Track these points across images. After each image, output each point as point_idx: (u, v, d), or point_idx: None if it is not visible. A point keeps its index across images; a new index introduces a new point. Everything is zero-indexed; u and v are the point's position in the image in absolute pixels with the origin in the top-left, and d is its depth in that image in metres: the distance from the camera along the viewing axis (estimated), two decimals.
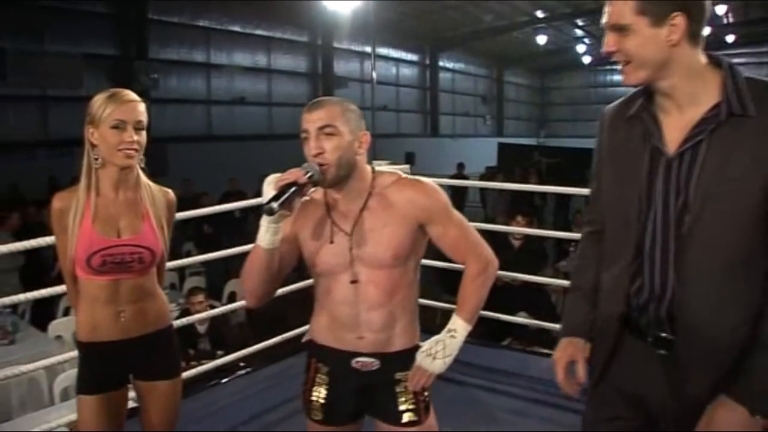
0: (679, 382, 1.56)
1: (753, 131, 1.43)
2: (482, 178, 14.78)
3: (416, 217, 1.83)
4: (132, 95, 2.10)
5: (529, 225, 6.23)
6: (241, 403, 3.45)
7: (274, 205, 1.65)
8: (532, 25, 20.74)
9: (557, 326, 4.47)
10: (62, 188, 2.16)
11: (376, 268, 1.82)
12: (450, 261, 2.00)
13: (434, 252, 2.21)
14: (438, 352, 1.82)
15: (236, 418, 3.26)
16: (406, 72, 21.24)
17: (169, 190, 2.30)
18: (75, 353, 2.33)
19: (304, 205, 1.85)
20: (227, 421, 3.24)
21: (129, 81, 12.09)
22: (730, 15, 19.84)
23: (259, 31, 15.25)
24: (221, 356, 4.59)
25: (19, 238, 4.66)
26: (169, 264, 3.57)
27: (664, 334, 1.56)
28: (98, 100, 2.06)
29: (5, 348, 4.78)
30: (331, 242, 1.83)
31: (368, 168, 1.87)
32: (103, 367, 2.14)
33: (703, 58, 1.51)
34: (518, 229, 5.52)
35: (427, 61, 22.17)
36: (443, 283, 5.09)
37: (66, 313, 5.61)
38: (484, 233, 2.17)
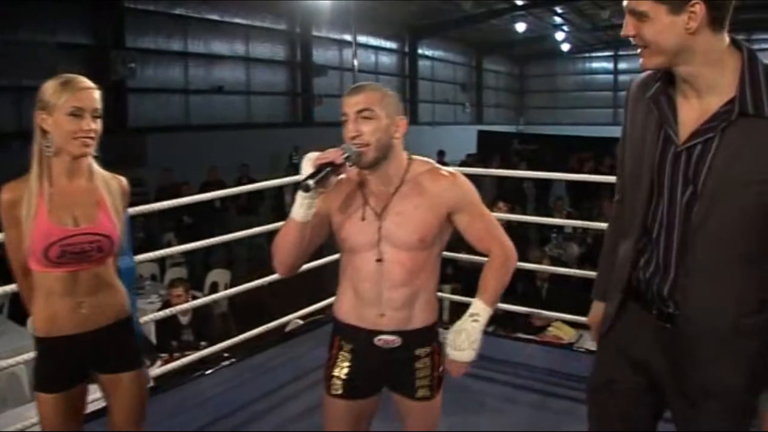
0: (678, 360, 1.61)
1: (765, 132, 1.42)
2: (462, 165, 14.81)
3: (446, 205, 1.92)
4: (88, 82, 2.04)
5: (511, 211, 6.28)
6: (226, 393, 3.42)
7: (311, 182, 1.75)
8: (511, 13, 20.71)
9: (543, 312, 4.52)
10: None
11: (401, 249, 1.90)
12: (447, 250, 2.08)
13: None
14: (463, 342, 1.89)
15: (222, 409, 3.24)
16: (385, 60, 21.16)
17: (122, 178, 2.24)
18: None
19: (339, 182, 1.92)
20: (213, 412, 3.22)
21: (105, 70, 11.95)
22: None
23: (237, 20, 15.08)
24: (205, 347, 4.57)
25: None
26: (150, 255, 3.56)
27: (669, 310, 1.60)
28: (52, 86, 2.00)
29: None
30: (363, 219, 1.92)
31: (404, 154, 1.96)
32: (62, 363, 2.08)
33: (725, 42, 1.48)
34: (503, 215, 5.53)
35: (406, 49, 22.10)
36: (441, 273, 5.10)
37: None
38: None
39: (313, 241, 1.94)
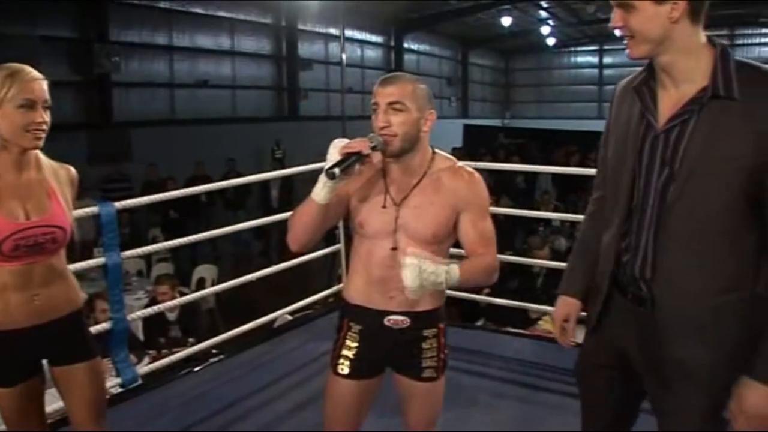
0: (652, 342, 1.67)
1: (737, 114, 1.52)
2: None
3: (457, 204, 1.96)
4: (37, 73, 1.99)
5: (495, 205, 6.29)
6: (215, 390, 3.39)
7: (336, 170, 1.79)
8: (497, 7, 20.70)
9: (530, 305, 4.53)
10: None
11: (415, 240, 1.93)
12: None
13: None
14: (424, 274, 1.78)
15: (211, 406, 3.21)
16: (371, 54, 21.08)
17: (71, 167, 2.18)
18: None
19: (364, 169, 1.95)
20: (202, 409, 3.19)
21: (89, 64, 11.83)
22: None
23: (221, 13, 14.96)
24: (193, 343, 4.54)
25: None
26: (136, 251, 3.52)
27: (641, 292, 1.68)
28: (4, 76, 1.93)
29: None
30: (384, 207, 1.96)
31: (429, 148, 2.00)
32: (17, 357, 2.05)
33: (702, 38, 1.59)
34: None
35: (392, 43, 22.02)
36: None
37: None
38: None
39: (328, 221, 1.98)
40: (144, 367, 3.58)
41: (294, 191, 10.67)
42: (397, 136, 1.89)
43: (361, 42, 20.36)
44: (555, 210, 8.77)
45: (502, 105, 29.84)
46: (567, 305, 1.96)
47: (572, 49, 28.05)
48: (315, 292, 4.25)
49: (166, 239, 8.13)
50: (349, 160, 1.81)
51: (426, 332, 2.03)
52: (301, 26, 17.08)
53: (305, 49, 17.43)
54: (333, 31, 17.64)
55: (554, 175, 11.46)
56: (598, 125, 2.28)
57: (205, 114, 14.40)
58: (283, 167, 9.22)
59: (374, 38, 21.12)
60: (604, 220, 1.81)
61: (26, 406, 2.08)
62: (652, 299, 1.65)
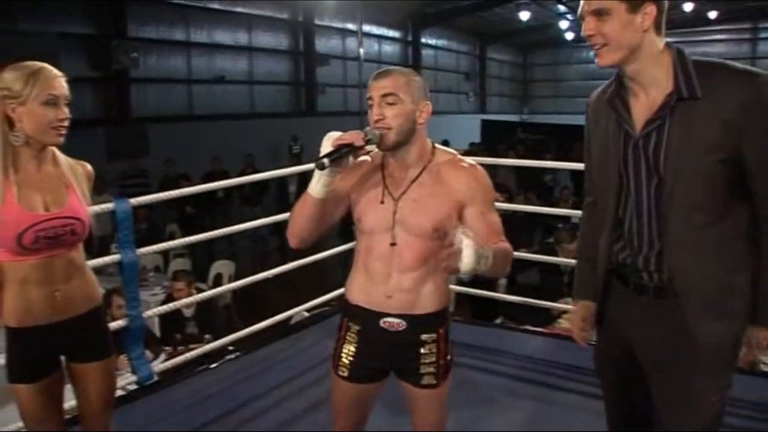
0: (655, 324, 1.78)
1: (703, 110, 1.63)
2: (467, 154, 14.72)
3: (462, 197, 1.93)
4: (56, 70, 2.01)
5: (508, 201, 6.24)
6: (231, 388, 3.39)
7: (326, 161, 1.78)
8: (515, 1, 20.51)
9: (547, 303, 4.48)
10: None
11: (414, 235, 1.92)
12: None
13: None
14: (482, 259, 1.71)
15: (227, 404, 3.20)
16: (388, 49, 20.99)
17: (86, 164, 2.21)
18: None
19: (362, 163, 1.99)
20: (217, 407, 3.18)
21: (107, 60, 11.87)
22: None
23: (239, 9, 14.94)
24: (209, 340, 4.54)
25: None
26: (153, 248, 3.52)
27: (642, 280, 1.79)
28: (20, 75, 1.95)
29: None
30: (381, 202, 1.95)
31: (428, 141, 1.99)
32: (36, 352, 2.07)
33: (662, 43, 1.70)
34: (515, 206, 5.48)
35: (410, 38, 21.92)
36: None
37: None
38: None
39: (328, 218, 1.97)
40: (159, 365, 3.58)
41: None
42: (391, 129, 1.88)
43: (379, 37, 20.29)
44: (574, 205, 8.66)
45: (520, 100, 29.66)
46: (582, 308, 2.05)
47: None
48: (331, 289, 4.22)
49: (184, 235, 8.16)
50: (340, 152, 1.80)
51: (424, 336, 1.98)
52: (318, 22, 17.04)
53: (322, 44, 17.39)
54: (350, 26, 17.60)
55: (572, 171, 11.33)
56: None
57: (222, 109, 14.42)
58: (301, 163, 9.20)
59: (392, 33, 21.03)
60: (599, 224, 1.91)
61: (46, 402, 2.09)
62: (658, 287, 1.76)
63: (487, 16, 22.34)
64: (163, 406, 3.21)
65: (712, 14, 21.60)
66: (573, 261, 4.69)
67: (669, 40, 1.71)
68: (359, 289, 2.02)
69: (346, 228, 2.98)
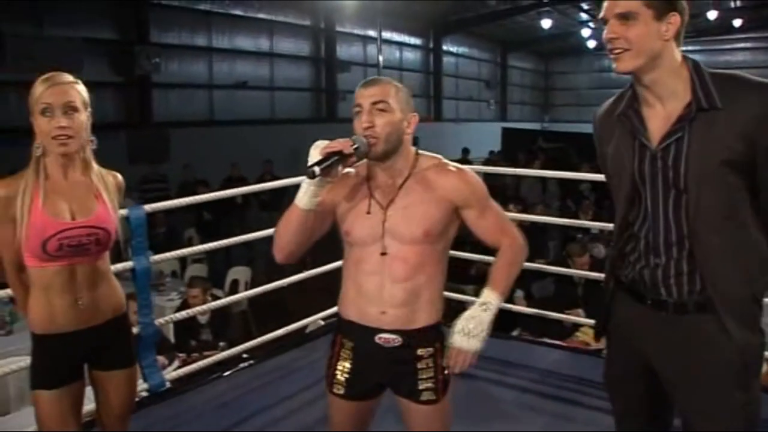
0: (678, 341, 1.75)
1: (722, 122, 1.62)
2: (486, 162, 14.66)
3: (453, 200, 1.91)
4: (63, 77, 2.01)
5: (524, 212, 6.19)
6: (244, 397, 3.36)
7: (316, 169, 1.74)
8: (537, 9, 20.44)
9: (562, 316, 4.41)
10: None
11: (405, 243, 1.88)
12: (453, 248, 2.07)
13: None
14: (473, 329, 1.84)
15: (239, 414, 3.18)
16: (410, 56, 21.00)
17: (117, 174, 2.21)
18: None
19: (346, 176, 1.94)
20: (229, 416, 3.16)
21: (130, 65, 11.99)
22: None
23: (261, 15, 15.03)
24: (224, 347, 4.52)
25: None
26: (170, 254, 3.51)
27: (660, 296, 1.76)
28: (34, 85, 1.99)
29: (3, 338, 4.71)
30: (368, 213, 1.91)
31: (412, 149, 1.96)
32: (60, 359, 2.07)
33: (680, 55, 1.70)
34: (527, 216, 5.42)
35: (431, 45, 21.92)
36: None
37: None
38: None
39: (314, 231, 1.93)
40: (172, 372, 3.56)
41: None
42: (380, 138, 1.84)
43: (400, 44, 20.31)
44: (594, 216, 8.56)
45: (541, 108, 29.53)
46: None
47: None
48: None
49: (202, 240, 8.16)
50: (330, 160, 1.76)
51: (420, 351, 1.93)
52: (339, 28, 17.10)
53: (343, 51, 17.45)
54: (371, 33, 17.62)
55: (593, 180, 11.22)
56: None
57: (243, 115, 14.49)
58: None
59: (413, 40, 21.04)
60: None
61: (64, 410, 2.08)
62: (679, 303, 1.74)
63: (508, 23, 22.28)
64: (174, 414, 3.19)
65: (737, 22, 21.41)
66: (587, 273, 4.68)
67: (693, 48, 1.70)
68: (352, 305, 1.97)
69: None
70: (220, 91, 14.30)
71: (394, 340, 1.91)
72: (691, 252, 1.70)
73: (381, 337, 1.92)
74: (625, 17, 1.64)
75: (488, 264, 2.09)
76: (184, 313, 3.69)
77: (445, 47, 22.44)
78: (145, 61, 12.09)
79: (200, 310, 4.02)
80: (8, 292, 2.68)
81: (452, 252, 2.08)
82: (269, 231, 3.91)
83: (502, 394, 3.40)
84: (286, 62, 15.98)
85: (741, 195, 1.67)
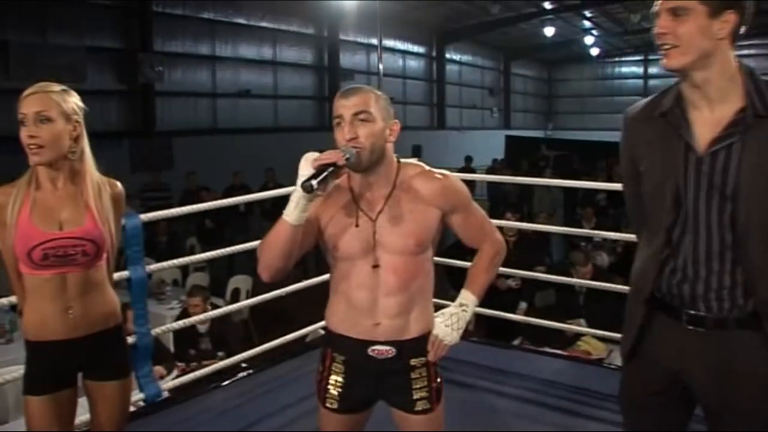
0: (721, 355, 1.66)
1: None
2: (489, 170, 14.66)
3: (441, 207, 1.90)
4: (45, 87, 2.01)
5: (520, 221, 6.19)
6: (242, 407, 3.34)
7: (314, 182, 1.69)
8: (540, 17, 20.48)
9: (564, 326, 4.39)
10: None
11: (397, 254, 1.86)
12: (458, 257, 2.16)
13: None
14: (454, 324, 1.92)
15: (237, 423, 3.15)
16: (413, 64, 21.03)
17: (117, 183, 2.20)
18: None
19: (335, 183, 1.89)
20: (227, 425, 3.13)
21: (134, 74, 12.02)
22: None
23: (264, 23, 15.07)
24: (222, 357, 4.50)
25: None
26: (171, 263, 3.50)
27: (699, 312, 1.68)
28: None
29: (3, 347, 4.69)
30: (357, 226, 1.87)
31: (394, 157, 1.93)
32: (51, 367, 2.07)
33: (735, 58, 1.63)
34: (536, 226, 5.40)
35: (434, 53, 21.94)
36: (450, 280, 4.98)
37: None
38: None
39: (302, 247, 1.87)
40: (169, 382, 3.54)
41: None
42: (365, 148, 1.80)
43: (403, 52, 20.33)
44: (597, 224, 8.54)
45: (544, 116, 29.54)
46: None
47: (616, 59, 27.65)
48: None
49: (203, 249, 8.15)
50: (325, 172, 1.71)
51: (413, 361, 1.93)
52: (342, 37, 17.13)
53: (347, 59, 17.47)
54: (374, 41, 17.59)
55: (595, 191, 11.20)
56: None
57: (246, 124, 14.51)
58: None
59: (416, 48, 21.06)
60: (643, 243, 1.81)
61: (54, 417, 2.08)
62: (719, 319, 1.66)
63: (511, 31, 22.29)
64: (172, 423, 3.16)
65: (741, 28, 21.35)
66: (589, 282, 4.65)
67: None
68: (342, 319, 1.94)
69: None
70: (224, 100, 14.32)
71: (388, 351, 1.89)
72: (734, 264, 1.63)
73: (374, 350, 1.90)
74: (677, 12, 1.57)
75: None
76: (183, 322, 3.67)
77: (448, 55, 22.46)
78: (148, 70, 12.14)
79: (198, 319, 4.00)
80: (9, 300, 2.70)
81: (454, 261, 2.10)
82: None
83: (503, 404, 3.37)
84: (289, 71, 16.01)
85: None
